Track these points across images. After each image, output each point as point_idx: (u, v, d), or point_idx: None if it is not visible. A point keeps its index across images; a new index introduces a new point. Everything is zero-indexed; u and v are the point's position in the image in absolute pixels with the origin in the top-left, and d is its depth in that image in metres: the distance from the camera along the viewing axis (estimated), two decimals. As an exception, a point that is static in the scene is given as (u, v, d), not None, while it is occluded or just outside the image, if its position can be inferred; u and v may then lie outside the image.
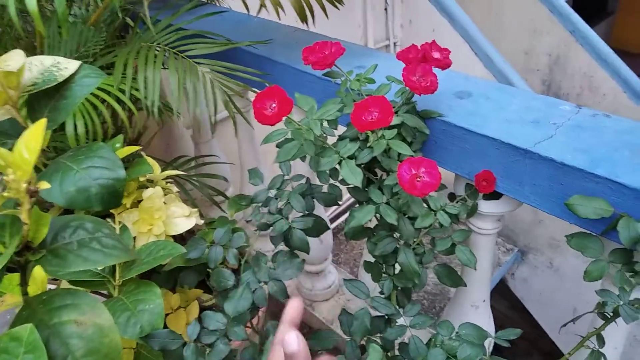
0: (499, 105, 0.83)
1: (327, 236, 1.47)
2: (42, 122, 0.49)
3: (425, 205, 0.78)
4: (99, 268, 0.71)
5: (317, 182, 0.89)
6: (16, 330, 0.44)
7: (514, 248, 2.57)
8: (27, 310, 0.48)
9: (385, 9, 2.88)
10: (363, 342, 0.83)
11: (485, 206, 0.86)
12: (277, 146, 0.81)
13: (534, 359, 2.77)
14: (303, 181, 0.90)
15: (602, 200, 0.66)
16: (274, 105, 0.71)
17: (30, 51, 1.11)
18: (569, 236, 0.71)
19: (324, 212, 1.33)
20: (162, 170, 0.92)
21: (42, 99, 0.74)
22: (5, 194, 0.42)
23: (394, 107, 0.77)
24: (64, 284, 0.77)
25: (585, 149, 0.71)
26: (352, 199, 0.85)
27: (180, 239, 0.95)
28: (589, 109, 0.80)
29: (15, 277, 0.70)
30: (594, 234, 0.70)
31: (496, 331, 0.85)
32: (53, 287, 0.82)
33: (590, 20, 2.96)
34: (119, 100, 0.99)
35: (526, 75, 3.05)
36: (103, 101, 0.98)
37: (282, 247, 0.87)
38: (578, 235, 0.70)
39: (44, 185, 0.45)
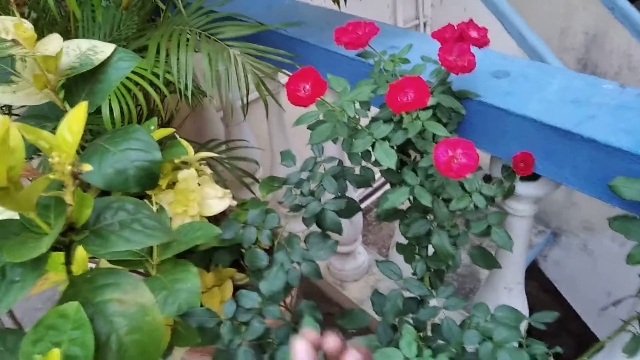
0: (538, 85, 0.81)
1: (358, 217, 1.46)
2: (84, 105, 0.50)
3: (460, 187, 0.77)
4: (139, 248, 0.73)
5: (349, 164, 0.88)
6: (63, 307, 0.45)
7: (546, 230, 2.53)
8: (72, 289, 0.49)
9: (415, -13, 2.82)
10: (395, 322, 0.84)
11: (522, 188, 0.84)
12: (309, 128, 0.81)
13: (564, 341, 2.73)
14: (335, 163, 0.90)
15: (648, 182, 0.64)
16: (307, 86, 0.71)
17: (65, 35, 1.12)
18: (611, 219, 0.68)
19: (354, 193, 1.33)
20: (195, 152, 0.93)
21: (80, 83, 0.76)
22: (50, 176, 0.43)
23: (429, 88, 0.76)
24: (103, 263, 0.79)
25: (629, 129, 0.68)
26: (380, 180, 0.85)
27: (214, 220, 0.97)
28: (633, 89, 0.76)
29: (59, 255, 0.72)
30: (638, 217, 0.68)
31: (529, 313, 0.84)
32: (92, 265, 0.84)
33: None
34: (151, 83, 1.00)
35: (561, 54, 2.95)
36: (137, 84, 0.99)
37: (313, 228, 0.88)
38: (621, 218, 0.68)
39: (87, 167, 0.46)
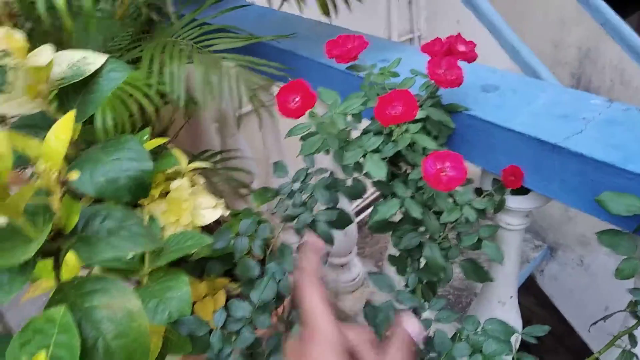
0: (526, 99, 0.82)
1: (352, 229, 1.46)
2: (71, 114, 0.51)
3: (451, 199, 0.77)
4: (129, 256, 0.73)
5: (342, 175, 0.89)
6: (50, 312, 0.45)
7: (543, 244, 2.53)
8: (59, 294, 0.49)
9: (410, 2, 2.85)
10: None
11: (512, 202, 0.84)
12: (302, 139, 0.81)
13: (561, 357, 2.72)
14: (327, 174, 0.90)
15: (634, 196, 0.65)
16: (297, 99, 0.71)
17: (59, 46, 1.14)
18: (599, 233, 0.69)
19: (349, 206, 1.33)
20: (189, 162, 0.93)
21: (71, 93, 0.76)
22: (37, 183, 0.44)
23: (418, 101, 0.77)
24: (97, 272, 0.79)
25: (617, 144, 0.69)
26: (377, 193, 0.85)
27: (208, 230, 0.97)
28: (620, 103, 0.77)
29: (49, 262, 0.72)
30: (626, 232, 0.68)
31: (524, 327, 0.84)
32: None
33: (622, 12, 2.87)
34: (146, 94, 1.00)
35: (555, 69, 2.98)
36: (130, 95, 1.00)
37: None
38: (609, 232, 0.68)
39: (74, 175, 0.46)
